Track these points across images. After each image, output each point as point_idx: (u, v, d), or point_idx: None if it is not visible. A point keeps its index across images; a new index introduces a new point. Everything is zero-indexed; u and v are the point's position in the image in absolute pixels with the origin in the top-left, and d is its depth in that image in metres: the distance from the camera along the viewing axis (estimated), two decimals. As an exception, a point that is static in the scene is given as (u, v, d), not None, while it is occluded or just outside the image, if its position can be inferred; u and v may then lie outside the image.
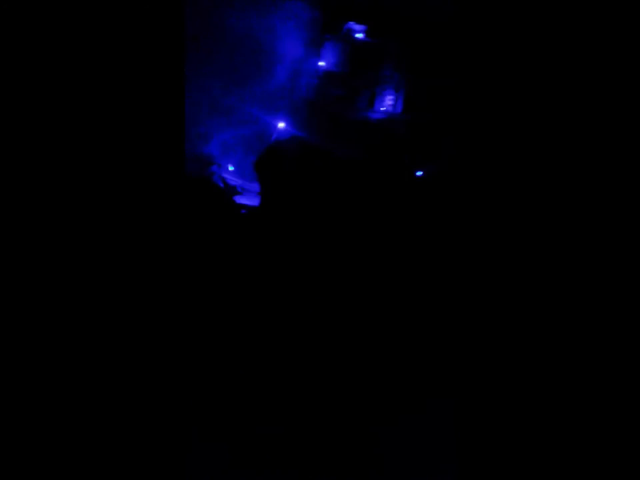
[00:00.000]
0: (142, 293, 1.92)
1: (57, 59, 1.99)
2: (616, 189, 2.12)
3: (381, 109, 7.90)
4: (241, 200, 6.48)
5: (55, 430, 1.86)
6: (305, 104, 7.73)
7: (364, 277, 3.74)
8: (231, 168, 8.23)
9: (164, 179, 2.26)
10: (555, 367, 2.13)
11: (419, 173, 6.63)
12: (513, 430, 2.08)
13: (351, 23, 7.90)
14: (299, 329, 3.46)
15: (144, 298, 1.93)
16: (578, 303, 2.09)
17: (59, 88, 2.10)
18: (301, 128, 7.89)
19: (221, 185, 7.12)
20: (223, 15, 6.49)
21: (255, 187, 7.28)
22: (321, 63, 7.95)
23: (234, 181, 7.97)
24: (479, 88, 2.37)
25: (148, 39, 2.11)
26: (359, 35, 7.88)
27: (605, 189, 2.15)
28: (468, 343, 2.26)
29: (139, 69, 2.25)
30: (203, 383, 3.06)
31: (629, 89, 2.11)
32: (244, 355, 3.37)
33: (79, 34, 2.17)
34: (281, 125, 7.65)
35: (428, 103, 7.66)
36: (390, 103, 7.90)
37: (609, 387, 1.94)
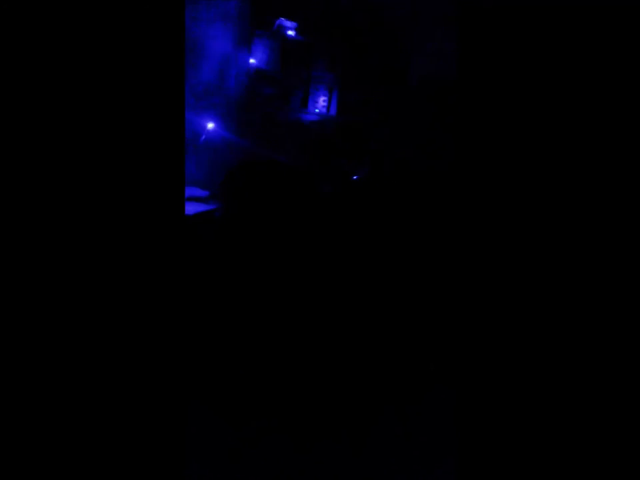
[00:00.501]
0: (139, 292, 1.98)
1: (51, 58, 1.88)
2: (617, 187, 2.05)
3: (315, 110, 7.64)
4: (198, 208, 5.90)
5: (51, 426, 1.88)
6: (235, 103, 7.24)
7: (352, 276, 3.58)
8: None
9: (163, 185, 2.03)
10: (558, 363, 2.01)
11: (354, 177, 6.48)
12: (516, 426, 2.03)
13: (282, 19, 7.54)
14: (296, 324, 3.31)
15: (141, 297, 1.98)
16: (580, 294, 1.96)
17: (56, 89, 1.90)
18: (231, 128, 7.39)
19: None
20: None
21: (191, 190, 6.73)
22: (252, 61, 7.52)
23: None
24: (478, 86, 2.23)
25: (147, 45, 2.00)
26: (291, 32, 7.55)
27: (605, 188, 2.06)
28: (469, 338, 2.11)
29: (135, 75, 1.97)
30: (202, 383, 3.01)
31: (629, 88, 2.08)
32: (243, 354, 3.10)
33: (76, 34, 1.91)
34: (210, 125, 7.14)
35: (364, 105, 7.51)
36: (323, 104, 7.65)
37: (612, 381, 1.96)
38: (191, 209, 6.03)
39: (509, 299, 2.02)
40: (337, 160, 6.65)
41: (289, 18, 7.48)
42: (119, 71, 1.89)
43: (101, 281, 1.89)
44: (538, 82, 2.10)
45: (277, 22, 7.54)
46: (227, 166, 6.26)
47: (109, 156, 1.89)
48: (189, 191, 6.46)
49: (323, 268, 3.69)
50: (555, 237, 1.98)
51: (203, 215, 5.63)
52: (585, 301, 1.95)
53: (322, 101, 7.69)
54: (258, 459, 2.73)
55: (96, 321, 1.88)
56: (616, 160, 2.04)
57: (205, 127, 6.67)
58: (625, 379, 1.94)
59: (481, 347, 2.08)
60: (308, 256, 3.69)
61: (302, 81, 7.63)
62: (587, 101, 2.09)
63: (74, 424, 1.87)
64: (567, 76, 2.06)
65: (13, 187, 1.83)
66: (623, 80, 2.06)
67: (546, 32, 2.11)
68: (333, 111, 7.72)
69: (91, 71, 1.87)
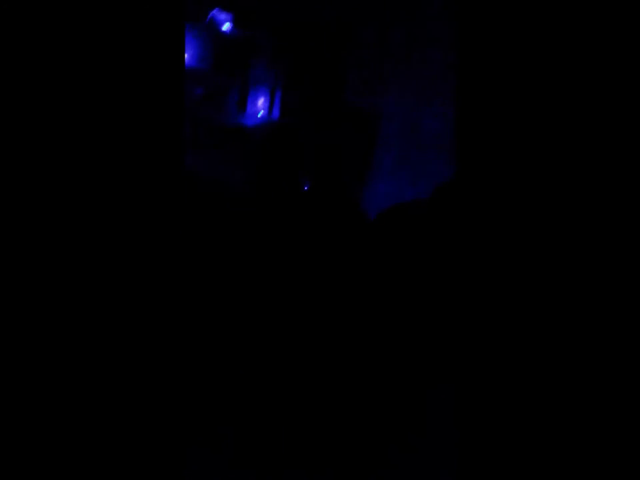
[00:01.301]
0: (140, 292, 2.04)
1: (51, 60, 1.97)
2: (618, 187, 2.05)
3: (258, 114, 6.88)
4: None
5: (52, 428, 1.90)
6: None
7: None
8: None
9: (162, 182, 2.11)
10: (559, 363, 2.03)
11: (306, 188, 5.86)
12: (517, 425, 2.04)
13: (217, 10, 6.78)
14: (297, 326, 3.23)
15: (142, 297, 2.04)
16: (580, 292, 2.00)
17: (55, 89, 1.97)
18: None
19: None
20: None
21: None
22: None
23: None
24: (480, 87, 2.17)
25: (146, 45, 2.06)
26: (226, 25, 6.81)
27: (606, 190, 2.06)
28: (469, 339, 2.14)
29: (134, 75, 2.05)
30: (203, 383, 3.03)
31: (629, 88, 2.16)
32: (244, 355, 3.13)
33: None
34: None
35: (310, 107, 6.94)
36: (264, 106, 6.93)
37: (612, 379, 1.99)
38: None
39: (509, 298, 2.08)
40: (282, 171, 5.98)
41: (224, 8, 6.75)
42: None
43: (98, 278, 1.89)
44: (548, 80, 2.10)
45: (211, 13, 6.78)
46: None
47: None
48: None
49: (322, 270, 3.45)
50: (554, 237, 2.05)
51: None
52: (584, 300, 2.01)
53: (262, 102, 6.98)
54: (258, 460, 2.81)
55: (93, 319, 1.88)
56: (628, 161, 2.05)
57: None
58: (626, 376, 1.98)
59: (481, 346, 2.11)
60: (304, 260, 3.49)
61: (238, 81, 6.90)
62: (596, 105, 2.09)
63: (71, 424, 1.88)
64: (575, 74, 2.06)
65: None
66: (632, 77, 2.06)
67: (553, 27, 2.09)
68: (275, 114, 7.05)
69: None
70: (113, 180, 1.96)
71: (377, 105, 6.72)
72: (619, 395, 1.96)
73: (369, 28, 6.68)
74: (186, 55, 6.63)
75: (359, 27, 6.56)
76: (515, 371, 2.06)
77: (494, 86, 2.12)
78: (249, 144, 6.44)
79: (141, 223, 2.01)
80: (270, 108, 7.00)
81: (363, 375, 3.15)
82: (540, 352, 2.04)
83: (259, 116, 6.83)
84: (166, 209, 2.07)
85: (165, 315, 2.02)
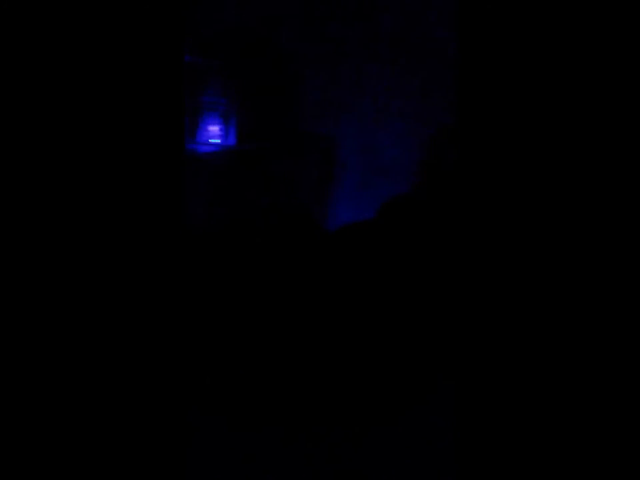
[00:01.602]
0: (140, 291, 1.90)
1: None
2: (617, 188, 1.96)
3: (210, 140, 6.43)
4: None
5: (52, 426, 1.82)
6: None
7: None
8: None
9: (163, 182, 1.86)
10: (559, 364, 2.00)
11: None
12: (517, 425, 2.02)
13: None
14: (297, 324, 3.15)
15: (142, 296, 1.91)
16: (580, 290, 1.96)
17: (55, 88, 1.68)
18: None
19: None
20: None
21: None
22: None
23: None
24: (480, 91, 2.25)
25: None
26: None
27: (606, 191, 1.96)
28: (470, 336, 2.08)
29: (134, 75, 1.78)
30: (202, 383, 2.99)
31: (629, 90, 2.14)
32: (244, 355, 3.08)
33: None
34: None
35: (266, 133, 6.59)
36: (217, 133, 6.50)
37: (613, 377, 1.97)
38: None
39: (510, 297, 2.03)
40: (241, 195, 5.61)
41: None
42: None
43: (98, 278, 1.89)
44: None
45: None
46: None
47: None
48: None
49: (322, 274, 3.34)
50: (555, 234, 2.02)
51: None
52: (585, 298, 1.99)
53: (215, 129, 6.55)
54: (258, 462, 2.77)
55: (92, 319, 1.92)
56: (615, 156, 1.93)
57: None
58: (626, 373, 1.96)
59: (482, 344, 2.09)
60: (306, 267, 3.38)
61: (189, 107, 6.49)
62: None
63: (72, 424, 1.90)
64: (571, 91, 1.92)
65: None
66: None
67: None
68: (231, 140, 6.64)
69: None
70: (113, 194, 1.92)
71: (333, 128, 6.57)
72: (620, 389, 1.94)
73: (321, 52, 6.56)
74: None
75: (311, 52, 6.42)
76: (513, 371, 2.05)
77: (494, 91, 2.17)
78: (201, 171, 6.05)
79: (137, 236, 1.95)
80: (225, 134, 6.60)
81: (360, 374, 3.24)
82: (539, 352, 2.03)
83: (210, 142, 6.43)
84: (164, 235, 2.03)
85: (164, 320, 1.99)
